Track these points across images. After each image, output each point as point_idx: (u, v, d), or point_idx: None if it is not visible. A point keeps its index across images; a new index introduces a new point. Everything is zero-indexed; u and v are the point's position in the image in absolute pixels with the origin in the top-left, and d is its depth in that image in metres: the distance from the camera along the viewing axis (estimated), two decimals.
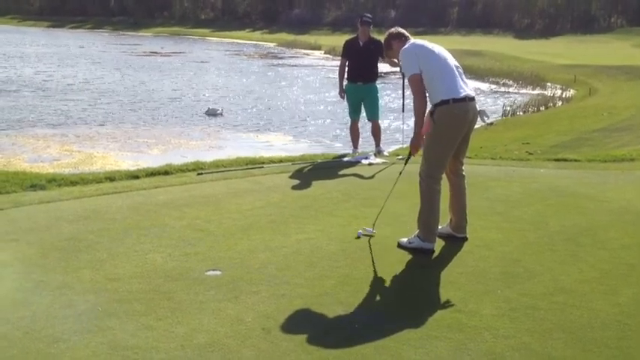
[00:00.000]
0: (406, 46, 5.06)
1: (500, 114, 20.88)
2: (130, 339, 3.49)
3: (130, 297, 4.02)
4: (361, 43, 9.09)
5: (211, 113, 18.26)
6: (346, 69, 9.32)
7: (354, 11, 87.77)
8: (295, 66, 39.62)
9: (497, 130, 16.91)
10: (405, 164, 5.36)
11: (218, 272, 4.47)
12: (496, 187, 7.10)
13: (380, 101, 9.47)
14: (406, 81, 5.23)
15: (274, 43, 65.24)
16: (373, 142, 9.61)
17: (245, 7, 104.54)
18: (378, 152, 9.27)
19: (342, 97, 9.46)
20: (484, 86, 29.65)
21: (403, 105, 10.03)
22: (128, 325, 3.64)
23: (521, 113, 21.14)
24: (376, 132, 9.50)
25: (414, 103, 4.92)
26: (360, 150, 9.66)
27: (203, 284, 4.25)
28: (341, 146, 13.73)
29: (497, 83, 31.60)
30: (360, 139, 9.80)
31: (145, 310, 3.85)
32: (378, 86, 9.44)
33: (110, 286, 4.17)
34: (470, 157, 9.09)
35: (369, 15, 9.39)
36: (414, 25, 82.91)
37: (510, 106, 21.69)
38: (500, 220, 5.81)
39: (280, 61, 42.59)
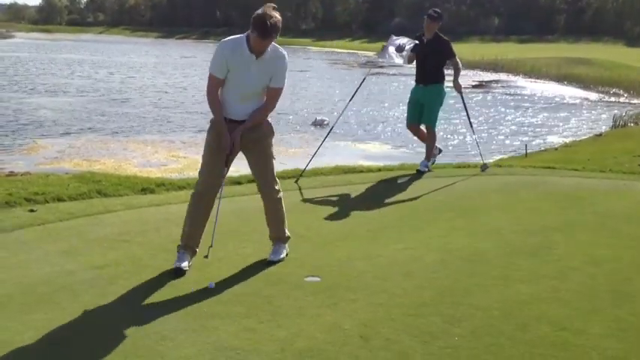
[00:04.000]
0: None
1: (610, 124, 19.94)
2: (232, 340, 3.59)
3: (233, 299, 4.14)
4: (425, 40, 8.35)
5: (318, 124, 18.53)
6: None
7: (454, 19, 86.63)
8: (394, 74, 39.47)
9: (606, 141, 16.12)
10: None
11: (317, 279, 4.52)
12: (605, 202, 6.80)
13: (440, 107, 8.50)
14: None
15: (373, 52, 65.28)
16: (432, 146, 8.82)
17: (345, 17, 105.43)
18: (424, 167, 8.53)
19: None
20: (592, 95, 28.44)
21: (470, 123, 9.48)
22: (230, 327, 3.75)
23: (632, 124, 20.05)
24: (424, 137, 8.72)
25: None
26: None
27: (302, 290, 4.31)
28: (440, 155, 13.53)
29: (606, 92, 30.24)
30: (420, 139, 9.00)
31: (247, 312, 3.95)
32: (446, 90, 8.55)
33: (214, 288, 4.31)
34: (577, 170, 8.78)
35: (437, 10, 8.49)
36: (518, 33, 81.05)
37: (621, 116, 20.65)
38: (609, 236, 5.56)
39: (379, 70, 42.54)
